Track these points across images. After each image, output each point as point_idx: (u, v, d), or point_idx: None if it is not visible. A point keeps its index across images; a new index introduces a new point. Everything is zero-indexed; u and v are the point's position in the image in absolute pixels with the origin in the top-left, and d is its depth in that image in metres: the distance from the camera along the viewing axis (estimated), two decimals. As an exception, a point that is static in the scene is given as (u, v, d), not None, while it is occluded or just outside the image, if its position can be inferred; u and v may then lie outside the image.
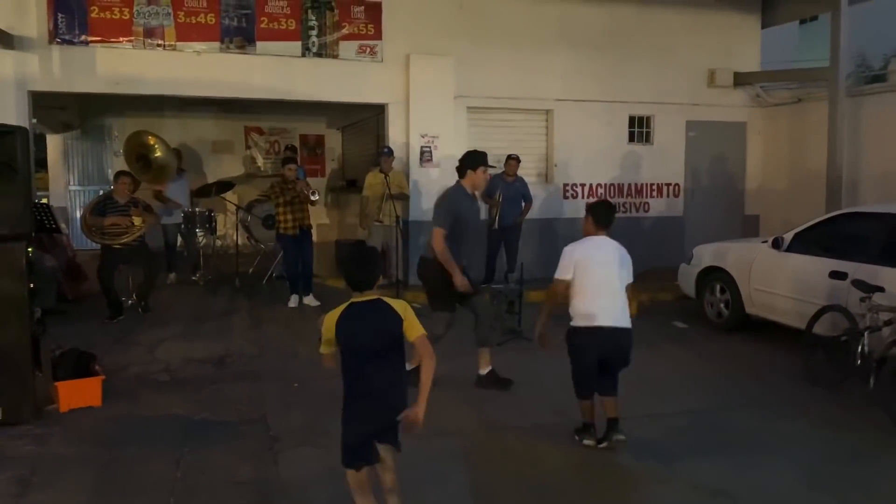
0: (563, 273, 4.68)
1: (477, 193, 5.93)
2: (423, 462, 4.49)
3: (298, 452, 4.60)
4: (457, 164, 5.85)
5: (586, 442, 4.70)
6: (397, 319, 3.27)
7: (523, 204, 9.77)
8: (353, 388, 3.47)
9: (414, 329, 3.29)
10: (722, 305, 7.95)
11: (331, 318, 3.33)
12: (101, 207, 8.00)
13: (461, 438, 4.86)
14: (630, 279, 4.71)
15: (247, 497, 4.00)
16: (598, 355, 4.63)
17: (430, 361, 3.32)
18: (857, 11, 9.86)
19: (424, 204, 9.90)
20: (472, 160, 5.73)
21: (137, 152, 9.63)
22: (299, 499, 4.00)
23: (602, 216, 4.79)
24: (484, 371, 5.96)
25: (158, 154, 9.71)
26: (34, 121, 8.91)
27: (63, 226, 9.77)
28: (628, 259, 4.73)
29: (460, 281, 5.55)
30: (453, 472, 4.38)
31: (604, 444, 4.64)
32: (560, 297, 4.69)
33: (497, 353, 6.98)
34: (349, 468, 3.49)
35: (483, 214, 9.79)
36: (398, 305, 3.32)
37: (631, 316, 4.70)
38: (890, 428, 4.97)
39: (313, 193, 9.02)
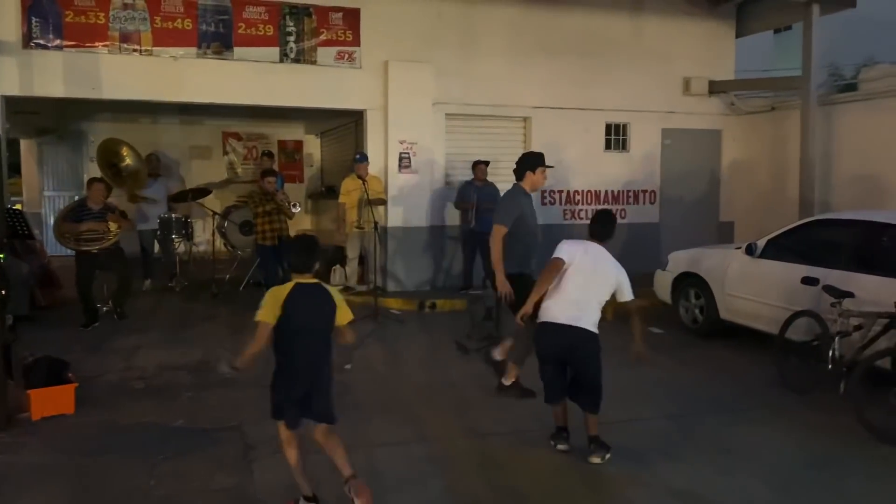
0: (561, 253, 4.67)
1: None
2: (402, 467, 4.51)
3: (274, 460, 4.56)
4: (514, 166, 5.94)
5: (559, 447, 4.72)
6: (333, 304, 3.73)
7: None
8: (287, 360, 3.81)
9: (345, 315, 3.81)
10: (697, 311, 8.03)
11: (280, 292, 3.62)
12: (75, 214, 7.92)
13: (440, 444, 4.87)
14: (626, 297, 4.71)
15: (222, 505, 3.97)
16: (554, 354, 4.61)
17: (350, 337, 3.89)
18: (830, 22, 10.03)
19: (403, 210, 9.93)
20: (530, 162, 5.84)
21: (108, 160, 9.55)
22: (275, 506, 3.99)
23: (592, 227, 4.84)
24: (508, 382, 5.83)
25: (128, 162, 9.64)
26: (7, 126, 8.80)
27: (36, 232, 9.66)
28: (615, 275, 4.68)
29: (502, 282, 5.53)
30: (432, 477, 4.38)
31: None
32: (554, 276, 4.61)
33: (475, 358, 7.02)
34: (276, 420, 3.89)
35: (454, 220, 9.90)
36: (334, 292, 3.77)
37: (606, 320, 4.71)
38: (860, 432, 5.05)
39: (294, 206, 9.01)
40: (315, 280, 3.74)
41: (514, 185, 5.88)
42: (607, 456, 4.55)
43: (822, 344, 5.88)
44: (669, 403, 5.82)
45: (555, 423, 4.79)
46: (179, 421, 5.22)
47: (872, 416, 5.08)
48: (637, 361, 4.77)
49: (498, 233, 5.57)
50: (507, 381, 5.80)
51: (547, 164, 5.89)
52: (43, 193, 13.47)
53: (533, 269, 5.61)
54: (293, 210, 8.96)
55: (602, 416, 5.28)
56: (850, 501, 4.19)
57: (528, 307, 4.66)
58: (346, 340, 3.90)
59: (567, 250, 4.68)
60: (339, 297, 3.78)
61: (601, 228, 4.79)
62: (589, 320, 4.57)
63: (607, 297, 4.66)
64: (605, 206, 11.18)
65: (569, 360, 4.63)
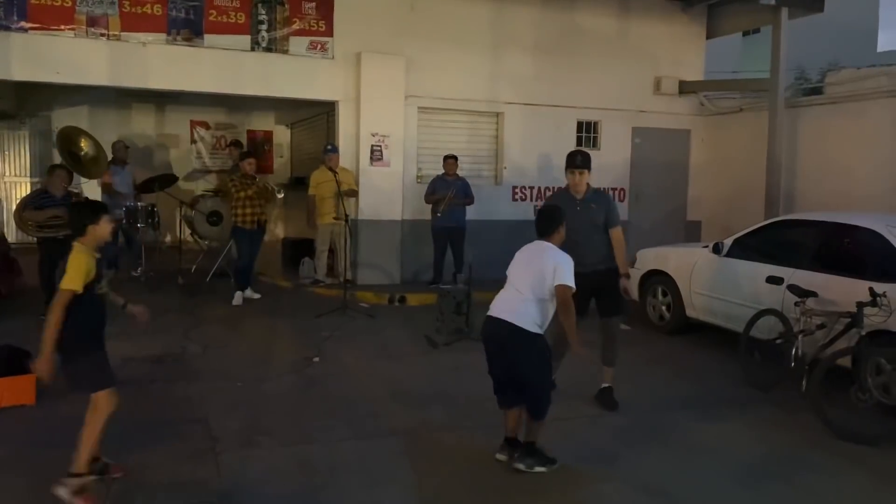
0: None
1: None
2: (370, 462, 4.49)
3: (241, 453, 4.53)
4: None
5: (497, 456, 4.51)
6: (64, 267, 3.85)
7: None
8: (91, 323, 3.99)
9: (62, 279, 3.86)
10: (664, 308, 8.12)
11: (89, 259, 3.85)
12: (38, 201, 7.74)
13: (407, 438, 4.86)
14: (557, 280, 4.30)
15: (187, 499, 3.92)
16: (492, 350, 4.44)
17: (51, 313, 3.76)
18: (797, 26, 10.20)
19: (374, 203, 9.88)
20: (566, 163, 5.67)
21: (67, 148, 9.34)
22: (241, 500, 3.94)
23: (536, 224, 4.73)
24: (605, 385, 5.73)
25: (85, 150, 9.43)
26: (-33, 109, 8.58)
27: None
28: (551, 264, 4.36)
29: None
30: (399, 471, 4.37)
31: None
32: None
33: (444, 353, 7.03)
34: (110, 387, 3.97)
35: (425, 214, 9.86)
36: (72, 255, 3.88)
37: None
38: (820, 428, 5.16)
39: (279, 191, 8.94)
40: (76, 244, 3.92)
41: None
42: (537, 468, 4.35)
43: (786, 342, 5.99)
44: (635, 400, 5.87)
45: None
46: (144, 413, 5.13)
47: (832, 414, 5.18)
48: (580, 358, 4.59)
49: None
50: (604, 385, 5.72)
51: (581, 165, 5.61)
52: (4, 179, 13.16)
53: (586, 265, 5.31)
54: (279, 195, 8.90)
55: (569, 411, 5.33)
56: (809, 496, 4.28)
57: None
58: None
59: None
60: (69, 260, 3.84)
61: (538, 225, 4.70)
62: (524, 317, 4.29)
63: (546, 289, 4.33)
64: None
65: (501, 357, 4.40)
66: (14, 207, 8.77)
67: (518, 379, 4.38)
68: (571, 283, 4.30)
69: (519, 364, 4.33)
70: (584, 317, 5.40)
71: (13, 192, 13.09)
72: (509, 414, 4.53)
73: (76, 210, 4.20)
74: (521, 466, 4.37)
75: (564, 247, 4.75)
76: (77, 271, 3.78)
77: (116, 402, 3.95)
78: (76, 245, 3.87)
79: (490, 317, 4.43)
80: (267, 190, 8.85)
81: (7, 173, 13.23)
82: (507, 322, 4.30)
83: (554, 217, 4.66)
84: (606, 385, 5.72)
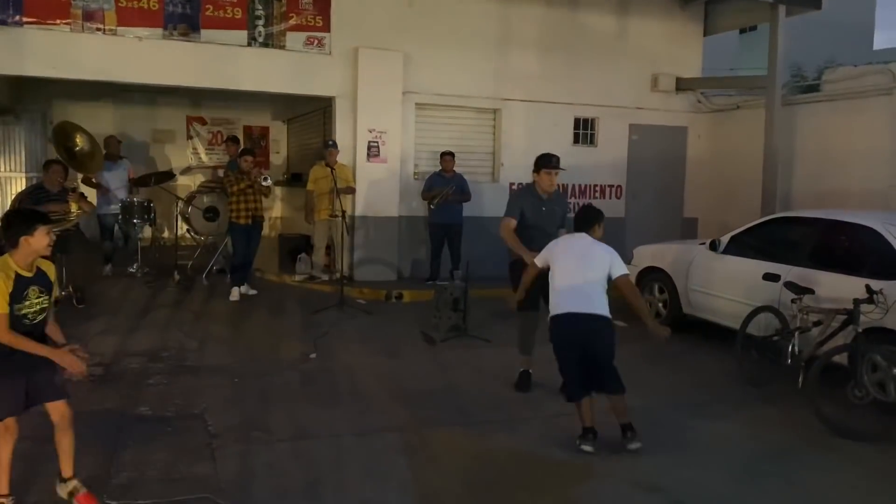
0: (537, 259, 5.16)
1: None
2: (366, 457, 4.49)
3: (237, 448, 4.53)
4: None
5: (584, 447, 4.64)
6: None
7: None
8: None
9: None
10: (660, 305, 8.13)
11: (8, 278, 3.41)
12: (34, 197, 7.71)
13: (404, 434, 4.86)
14: (619, 272, 4.79)
15: (183, 494, 3.91)
16: (570, 345, 4.73)
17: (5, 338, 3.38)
18: (794, 23, 10.20)
19: (371, 200, 9.87)
20: (535, 163, 5.99)
21: (63, 144, 9.31)
22: (238, 495, 3.94)
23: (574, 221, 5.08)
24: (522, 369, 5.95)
25: (80, 145, 9.41)
26: (-38, 104, 8.54)
27: (-8, 213, 9.37)
28: (604, 253, 4.83)
29: (529, 258, 5.49)
30: (396, 467, 4.37)
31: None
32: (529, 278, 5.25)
33: (441, 349, 7.03)
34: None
35: (422, 210, 9.84)
36: (47, 267, 3.60)
37: None
38: (816, 425, 5.17)
39: (265, 179, 8.89)
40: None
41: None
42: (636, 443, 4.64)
43: (782, 339, 6.00)
44: (631, 396, 5.83)
45: (581, 424, 4.74)
46: (140, 408, 5.14)
47: (829, 411, 5.19)
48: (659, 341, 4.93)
49: (502, 224, 5.94)
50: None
51: (557, 165, 5.92)
52: (-1, 174, 13.10)
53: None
54: (265, 184, 8.85)
55: (567, 407, 5.32)
56: (805, 493, 4.28)
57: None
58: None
59: (541, 255, 5.12)
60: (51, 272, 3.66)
61: (578, 221, 5.04)
62: (604, 306, 4.72)
63: (604, 277, 4.77)
64: (572, 200, 11.25)
65: (583, 348, 4.71)
66: (10, 203, 8.75)
67: (600, 361, 4.70)
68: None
69: (604, 347, 4.70)
70: (537, 310, 5.69)
71: (8, 187, 13.03)
72: (585, 404, 4.74)
73: (10, 218, 3.64)
74: (639, 445, 4.62)
75: (533, 239, 5.54)
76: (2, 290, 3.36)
77: (13, 436, 3.64)
78: (3, 258, 3.46)
79: (571, 314, 4.70)
80: (258, 182, 8.81)
81: (2, 168, 13.16)
82: (593, 315, 4.67)
83: (598, 214, 5.07)
84: (524, 369, 5.91)
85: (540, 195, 5.92)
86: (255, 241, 9.07)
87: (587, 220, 4.99)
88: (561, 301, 4.79)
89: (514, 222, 5.85)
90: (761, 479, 4.42)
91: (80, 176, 9.71)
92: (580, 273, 4.77)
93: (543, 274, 5.15)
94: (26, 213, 3.66)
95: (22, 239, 3.43)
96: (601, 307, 4.71)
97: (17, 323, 3.42)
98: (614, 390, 4.69)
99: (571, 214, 5.38)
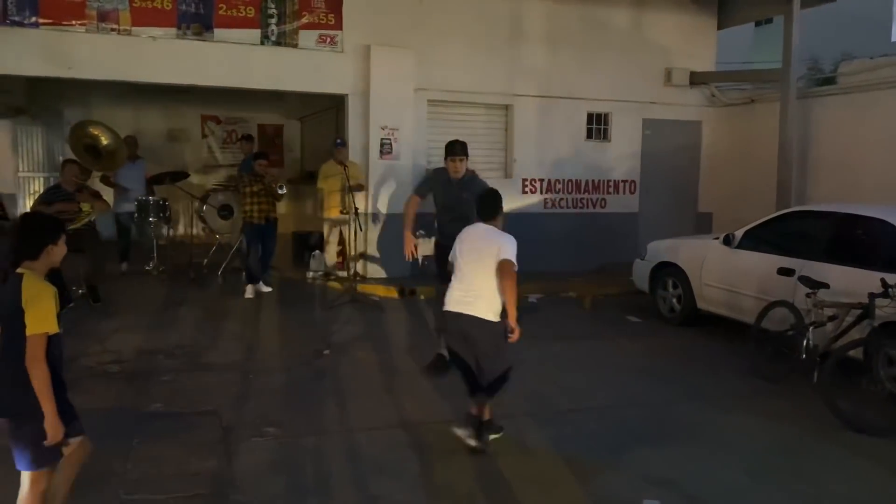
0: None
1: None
2: (380, 452, 4.51)
3: (251, 444, 4.57)
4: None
5: (459, 432, 4.59)
6: (17, 300, 2.92)
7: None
8: (58, 369, 3.13)
9: (31, 322, 2.90)
10: (674, 300, 8.10)
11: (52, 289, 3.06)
12: (48, 196, 7.80)
13: (418, 430, 4.88)
14: (503, 256, 4.38)
15: (198, 489, 3.96)
16: (455, 342, 4.65)
17: (36, 370, 2.90)
18: (810, 15, 10.11)
19: (384, 196, 9.89)
20: (445, 150, 6.23)
21: (84, 143, 9.41)
22: (251, 491, 3.97)
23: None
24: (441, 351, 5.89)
25: (105, 142, 9.50)
26: (-19, 105, 8.65)
27: (12, 213, 9.49)
28: (495, 239, 4.51)
29: (407, 234, 6.30)
30: (410, 462, 4.39)
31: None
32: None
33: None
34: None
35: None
36: (32, 288, 2.96)
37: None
38: (831, 420, 5.14)
39: (280, 188, 8.95)
40: (24, 270, 3.03)
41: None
42: (492, 437, 4.56)
43: (797, 334, 5.96)
44: (645, 391, 5.88)
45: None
46: (155, 405, 5.19)
47: (844, 406, 5.16)
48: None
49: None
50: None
51: (461, 153, 6.13)
52: (18, 174, 13.25)
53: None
54: (280, 192, 8.91)
55: (577, 402, 5.35)
56: (819, 488, 4.26)
57: None
58: (28, 361, 2.91)
59: (452, 251, 4.79)
60: (35, 295, 2.95)
61: (476, 209, 4.82)
62: (480, 307, 4.44)
63: (492, 274, 4.40)
64: (585, 196, 11.24)
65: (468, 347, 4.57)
66: (31, 202, 8.85)
67: (481, 364, 4.58)
68: (515, 261, 4.39)
69: (484, 353, 4.54)
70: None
71: (27, 186, 13.19)
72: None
73: (30, 225, 3.20)
74: (476, 445, 4.51)
75: (443, 217, 5.92)
76: (50, 308, 2.98)
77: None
78: (30, 274, 3.00)
79: (453, 312, 4.56)
80: (272, 187, 8.87)
81: (21, 168, 13.32)
82: (472, 317, 4.45)
83: (496, 201, 4.79)
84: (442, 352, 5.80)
85: (450, 178, 6.18)
86: (272, 241, 9.13)
87: (485, 209, 4.71)
88: (449, 297, 4.61)
89: (417, 198, 6.50)
90: (774, 473, 4.40)
91: (97, 176, 9.81)
92: (469, 269, 4.52)
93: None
94: (51, 218, 3.32)
95: (48, 247, 3.09)
96: (484, 309, 4.42)
97: (53, 350, 3.02)
98: (482, 397, 4.57)
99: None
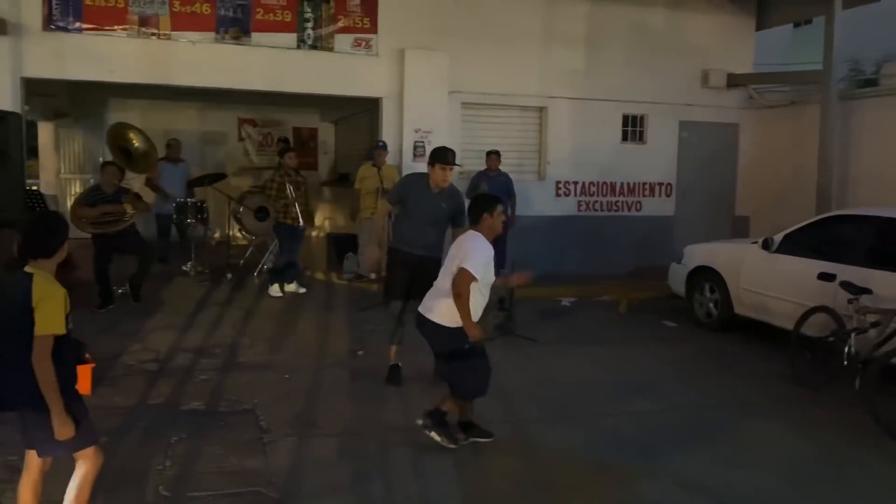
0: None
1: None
2: (413, 454, 4.52)
3: (288, 443, 4.61)
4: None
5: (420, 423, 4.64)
6: (28, 301, 2.91)
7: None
8: (70, 367, 3.22)
9: (40, 323, 2.90)
10: (711, 305, 8.00)
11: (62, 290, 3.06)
12: (90, 198, 7.96)
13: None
14: (461, 265, 4.33)
15: (235, 487, 4.00)
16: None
17: (41, 371, 2.90)
18: (851, 16, 9.92)
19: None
20: (430, 155, 5.76)
21: (118, 144, 9.60)
22: (289, 489, 4.01)
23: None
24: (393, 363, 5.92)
25: (137, 145, 9.69)
26: (27, 108, 8.86)
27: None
28: (461, 248, 4.49)
29: (370, 249, 6.05)
30: (442, 465, 4.40)
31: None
32: None
33: (487, 348, 6.98)
34: None
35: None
36: (43, 288, 2.95)
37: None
38: (873, 429, 5.03)
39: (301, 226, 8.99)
40: (32, 269, 3.02)
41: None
42: (435, 437, 4.51)
43: (838, 340, 5.84)
44: (681, 396, 5.81)
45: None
46: (193, 403, 5.26)
47: (886, 414, 5.05)
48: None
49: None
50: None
51: (453, 162, 5.64)
52: (59, 176, 13.56)
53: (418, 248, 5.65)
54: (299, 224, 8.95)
55: (613, 407, 5.30)
56: (859, 498, 4.18)
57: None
58: (35, 361, 2.90)
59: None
60: (45, 296, 2.94)
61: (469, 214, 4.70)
62: (436, 311, 4.51)
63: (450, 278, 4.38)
64: (620, 199, 11.16)
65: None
66: (70, 203, 9.04)
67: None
68: (476, 270, 4.30)
69: (441, 354, 4.71)
70: (401, 300, 5.73)
71: (68, 188, 13.49)
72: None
73: (49, 224, 3.15)
74: (435, 438, 4.53)
75: (407, 229, 5.45)
76: (60, 309, 2.98)
77: (102, 461, 3.30)
78: (41, 274, 2.99)
79: (418, 313, 4.67)
80: (302, 180, 8.97)
81: (62, 170, 13.62)
82: (428, 320, 4.54)
83: (479, 206, 4.62)
84: (394, 363, 5.87)
85: (430, 187, 5.62)
86: (299, 242, 9.20)
87: (471, 214, 4.63)
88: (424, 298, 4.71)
89: (389, 206, 5.95)
90: (812, 482, 4.32)
91: (142, 178, 9.99)
92: (442, 273, 4.60)
93: (410, 265, 5.34)
94: (63, 219, 3.24)
95: (62, 247, 3.11)
96: (439, 313, 4.47)
97: (65, 349, 3.04)
98: (450, 391, 4.66)
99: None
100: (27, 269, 3.02)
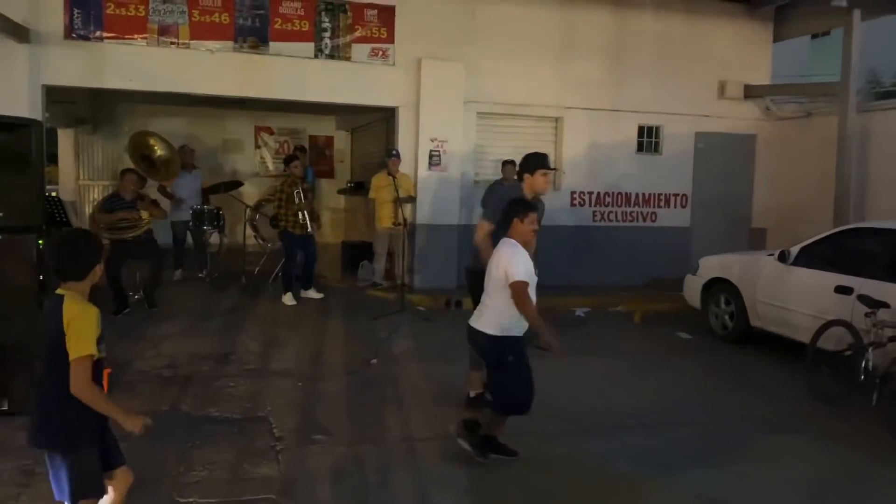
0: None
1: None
2: (423, 464, 4.51)
3: (301, 450, 4.62)
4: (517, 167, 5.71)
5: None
6: (60, 325, 2.78)
7: None
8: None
9: (73, 346, 2.76)
10: (727, 317, 7.94)
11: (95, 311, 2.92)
12: (108, 204, 8.07)
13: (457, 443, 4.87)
14: (511, 279, 4.33)
15: (250, 493, 4.02)
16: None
17: (86, 393, 2.78)
18: (870, 28, 9.87)
19: (432, 208, 9.95)
20: (530, 163, 5.52)
21: (140, 152, 9.69)
22: (302, 497, 4.02)
23: None
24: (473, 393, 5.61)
25: (159, 153, 9.77)
26: (47, 115, 8.97)
27: (74, 219, 9.80)
28: (500, 257, 4.46)
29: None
30: (452, 475, 4.39)
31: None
32: None
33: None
34: None
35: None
36: (73, 309, 2.81)
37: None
38: (891, 443, 4.97)
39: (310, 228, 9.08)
40: (65, 291, 2.88)
41: (516, 183, 5.68)
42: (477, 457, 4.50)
43: (855, 354, 5.79)
44: (697, 410, 5.77)
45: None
46: (208, 410, 5.29)
47: (905, 429, 4.99)
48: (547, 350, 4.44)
49: (480, 227, 5.47)
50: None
51: (551, 166, 5.58)
52: (79, 182, 13.70)
53: None
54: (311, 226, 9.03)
55: (627, 419, 5.27)
56: (880, 514, 4.13)
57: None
58: (74, 387, 2.76)
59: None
60: (74, 318, 2.79)
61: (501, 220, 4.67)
62: (483, 321, 4.49)
63: (500, 289, 4.38)
64: (635, 209, 11.12)
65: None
66: (90, 210, 9.14)
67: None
68: (523, 276, 4.31)
69: (489, 365, 4.70)
70: None
71: (87, 194, 13.63)
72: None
73: (80, 244, 2.98)
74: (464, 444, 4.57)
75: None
76: (91, 329, 2.83)
77: (132, 480, 3.20)
78: (72, 295, 2.86)
79: (468, 324, 4.66)
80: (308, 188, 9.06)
81: (81, 177, 13.76)
82: (476, 330, 4.53)
83: (511, 210, 4.60)
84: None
85: (526, 194, 5.36)
86: (312, 248, 9.22)
87: (503, 220, 4.60)
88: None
89: (490, 226, 5.29)
90: (829, 496, 4.28)
91: (155, 185, 10.08)
92: (486, 284, 4.57)
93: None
94: (96, 238, 3.11)
95: (96, 268, 2.96)
96: (485, 322, 4.46)
97: (98, 372, 2.90)
98: (487, 405, 4.64)
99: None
100: (59, 291, 2.89)
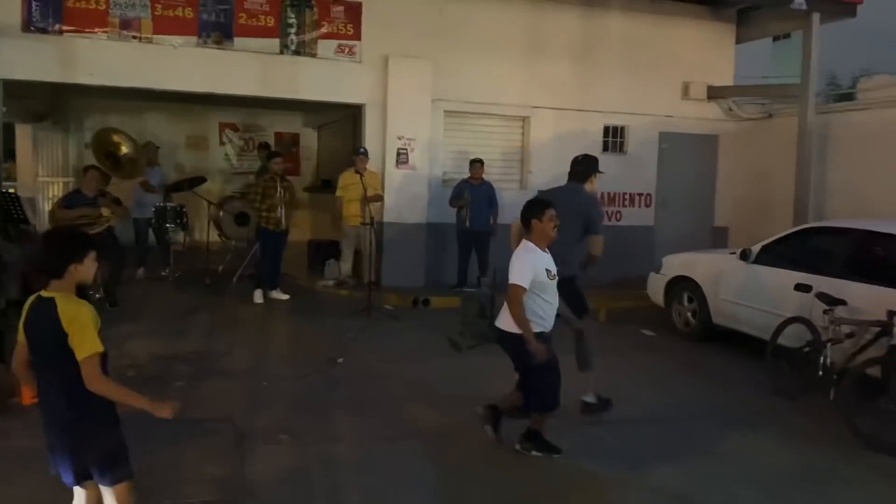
0: None
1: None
2: (393, 463, 4.50)
3: (265, 451, 4.58)
4: (576, 167, 5.70)
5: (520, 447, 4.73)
6: (58, 327, 2.75)
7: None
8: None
9: (80, 345, 2.74)
10: (689, 315, 8.05)
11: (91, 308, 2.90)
12: (69, 201, 7.90)
13: (431, 441, 4.87)
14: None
15: (211, 495, 3.97)
16: None
17: (102, 387, 2.79)
18: (829, 31, 10.07)
19: (400, 206, 9.92)
20: (592, 166, 5.69)
21: (105, 150, 9.51)
22: (265, 497, 3.98)
23: None
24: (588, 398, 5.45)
25: (125, 151, 9.61)
26: (3, 109, 8.76)
27: (31, 216, 9.60)
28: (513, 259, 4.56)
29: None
30: (423, 473, 4.39)
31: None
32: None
33: (468, 356, 7.03)
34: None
35: (450, 217, 9.84)
36: (70, 310, 2.78)
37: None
38: (849, 438, 5.08)
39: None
40: (54, 293, 2.83)
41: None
42: (533, 452, 4.64)
43: (814, 351, 5.91)
44: (660, 406, 5.84)
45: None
46: (170, 410, 5.20)
47: (861, 424, 5.10)
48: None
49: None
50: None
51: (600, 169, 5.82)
52: (37, 179, 13.40)
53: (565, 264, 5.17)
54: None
55: (594, 416, 5.30)
56: (837, 507, 4.22)
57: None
58: (89, 384, 2.76)
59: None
60: (74, 318, 2.76)
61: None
62: (504, 319, 4.56)
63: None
64: (615, 209, 11.19)
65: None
66: (50, 206, 8.95)
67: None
68: (520, 280, 4.36)
69: (514, 361, 4.63)
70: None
71: (47, 191, 13.34)
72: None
73: (53, 242, 2.97)
74: (517, 446, 4.70)
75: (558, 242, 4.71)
76: (92, 326, 2.80)
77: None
78: (62, 296, 2.82)
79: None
80: (289, 186, 8.96)
81: (41, 173, 13.47)
82: (496, 327, 4.63)
83: (525, 212, 4.64)
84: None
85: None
86: (282, 247, 9.18)
87: (523, 223, 4.64)
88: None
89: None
90: (791, 491, 4.36)
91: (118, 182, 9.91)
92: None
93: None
94: (76, 234, 3.08)
95: (72, 266, 2.84)
96: (505, 321, 4.53)
97: (105, 369, 2.88)
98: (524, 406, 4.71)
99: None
100: (44, 294, 2.83)
